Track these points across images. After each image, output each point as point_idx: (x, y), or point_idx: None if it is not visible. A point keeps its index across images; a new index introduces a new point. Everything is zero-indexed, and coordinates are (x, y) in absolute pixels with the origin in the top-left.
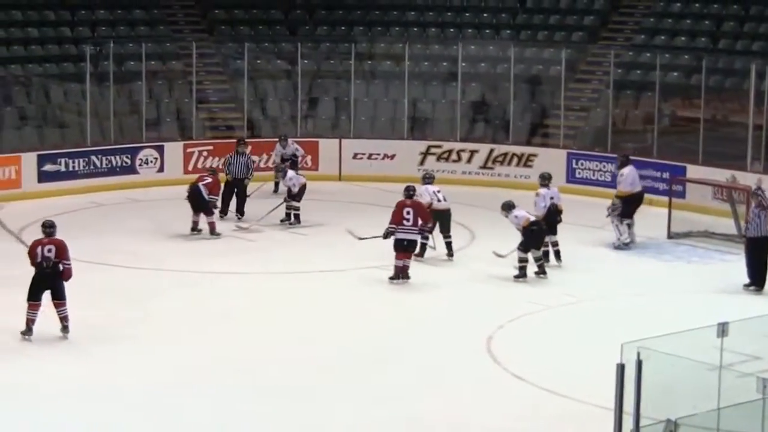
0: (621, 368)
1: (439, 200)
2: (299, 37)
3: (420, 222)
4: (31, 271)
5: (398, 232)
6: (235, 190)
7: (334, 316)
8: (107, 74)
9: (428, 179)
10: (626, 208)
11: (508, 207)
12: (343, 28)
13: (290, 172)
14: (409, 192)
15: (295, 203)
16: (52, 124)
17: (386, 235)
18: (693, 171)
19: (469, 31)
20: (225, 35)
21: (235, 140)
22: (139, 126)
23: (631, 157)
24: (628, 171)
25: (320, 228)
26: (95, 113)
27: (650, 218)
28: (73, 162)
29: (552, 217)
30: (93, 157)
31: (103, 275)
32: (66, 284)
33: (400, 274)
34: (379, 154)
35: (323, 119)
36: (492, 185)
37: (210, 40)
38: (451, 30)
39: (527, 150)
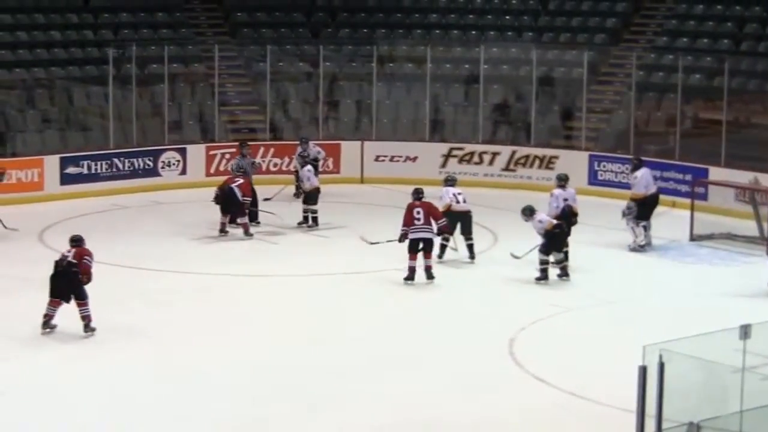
0: (643, 370)
1: (458, 201)
2: (321, 39)
3: (432, 221)
4: None
5: (410, 232)
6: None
7: (355, 318)
8: (130, 77)
9: (450, 182)
10: (642, 210)
11: (529, 212)
12: (365, 30)
13: (308, 167)
14: (418, 194)
15: (312, 206)
16: (75, 127)
17: (400, 239)
18: (715, 173)
19: (491, 33)
20: (247, 38)
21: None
22: (161, 129)
23: (654, 160)
24: (642, 173)
25: (342, 230)
26: (118, 116)
27: (673, 220)
28: (96, 165)
29: (566, 218)
30: (115, 160)
31: (125, 277)
32: (89, 285)
33: (418, 274)
34: (401, 157)
35: (345, 122)
36: (514, 187)
37: (232, 43)
38: (473, 32)
39: (549, 152)
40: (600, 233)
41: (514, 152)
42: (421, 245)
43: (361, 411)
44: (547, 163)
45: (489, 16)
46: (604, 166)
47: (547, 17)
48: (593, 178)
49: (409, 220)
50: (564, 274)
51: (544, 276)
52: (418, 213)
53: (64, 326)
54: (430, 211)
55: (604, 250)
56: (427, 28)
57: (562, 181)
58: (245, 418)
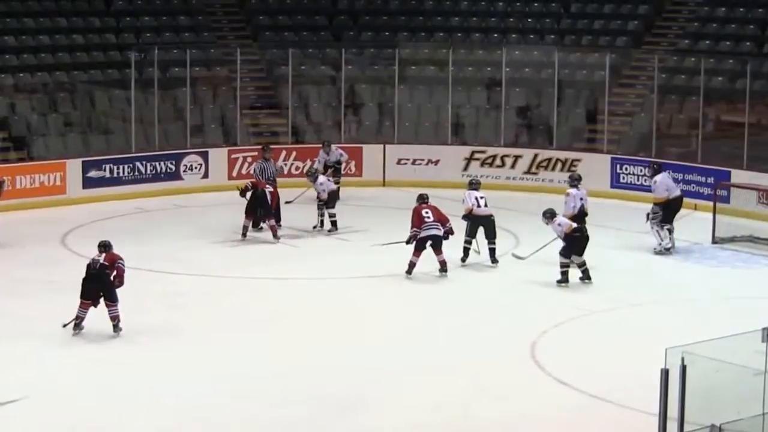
0: (665, 373)
1: (479, 206)
2: (343, 42)
3: (439, 222)
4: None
5: (422, 230)
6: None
7: (377, 321)
8: (152, 81)
9: (474, 185)
10: (666, 213)
11: (550, 215)
12: (386, 33)
13: (321, 178)
14: (423, 199)
15: (330, 209)
16: (97, 131)
17: (409, 240)
18: (737, 176)
19: (513, 36)
20: (269, 41)
21: (260, 146)
22: (183, 132)
23: (676, 163)
24: (661, 178)
25: (364, 234)
26: (140, 119)
27: (695, 223)
28: (118, 168)
29: (579, 218)
30: (138, 164)
31: (147, 281)
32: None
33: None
34: (423, 160)
35: (367, 125)
36: (536, 191)
37: (254, 46)
38: (495, 35)
39: (571, 155)
40: (622, 236)
41: (536, 155)
42: (429, 243)
43: (384, 414)
44: (569, 166)
45: (511, 19)
46: (626, 169)
47: (569, 20)
48: (615, 181)
49: (419, 221)
50: (586, 276)
51: (564, 279)
52: (427, 213)
53: (88, 329)
54: (438, 214)
55: (626, 253)
56: (449, 31)
57: (576, 181)
58: (270, 420)
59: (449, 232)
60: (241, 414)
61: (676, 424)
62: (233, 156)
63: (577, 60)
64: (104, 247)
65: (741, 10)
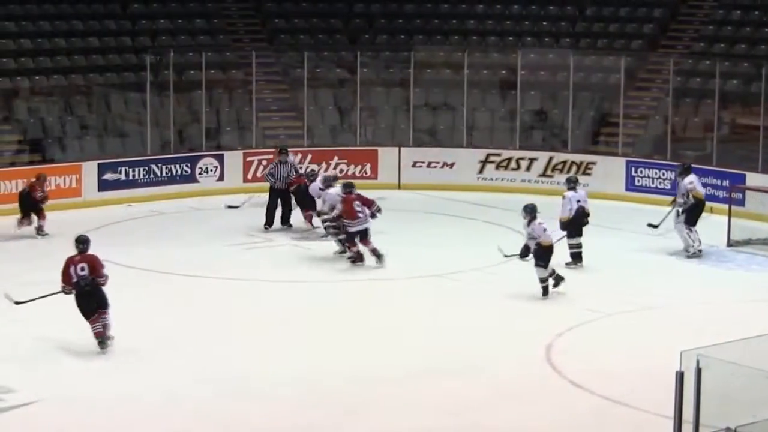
0: (680, 376)
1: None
2: (359, 45)
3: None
4: None
5: (356, 225)
6: (279, 200)
7: (391, 324)
8: (167, 83)
9: (572, 183)
10: (690, 216)
11: (531, 211)
12: (402, 36)
13: (336, 189)
14: (351, 188)
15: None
16: (113, 133)
17: (341, 230)
18: (753, 179)
19: (529, 39)
20: (285, 44)
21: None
22: (199, 135)
23: (692, 165)
24: (696, 178)
25: (378, 236)
26: (155, 122)
27: (710, 226)
28: (134, 171)
29: (579, 219)
30: (153, 166)
31: (162, 283)
32: (123, 292)
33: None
34: (438, 163)
35: (382, 127)
36: (551, 193)
37: (270, 49)
38: (511, 38)
39: (586, 158)
40: (637, 239)
41: (551, 158)
42: (360, 234)
43: (398, 417)
44: (585, 168)
45: (526, 22)
46: (641, 172)
47: (584, 23)
48: (630, 184)
49: (354, 213)
50: (556, 284)
51: (545, 292)
52: (360, 207)
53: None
54: (365, 201)
55: (641, 256)
56: (465, 34)
57: (573, 183)
58: (284, 423)
59: (377, 211)
60: (254, 417)
61: (691, 427)
62: (248, 159)
63: (592, 63)
64: (81, 243)
65: (756, 13)
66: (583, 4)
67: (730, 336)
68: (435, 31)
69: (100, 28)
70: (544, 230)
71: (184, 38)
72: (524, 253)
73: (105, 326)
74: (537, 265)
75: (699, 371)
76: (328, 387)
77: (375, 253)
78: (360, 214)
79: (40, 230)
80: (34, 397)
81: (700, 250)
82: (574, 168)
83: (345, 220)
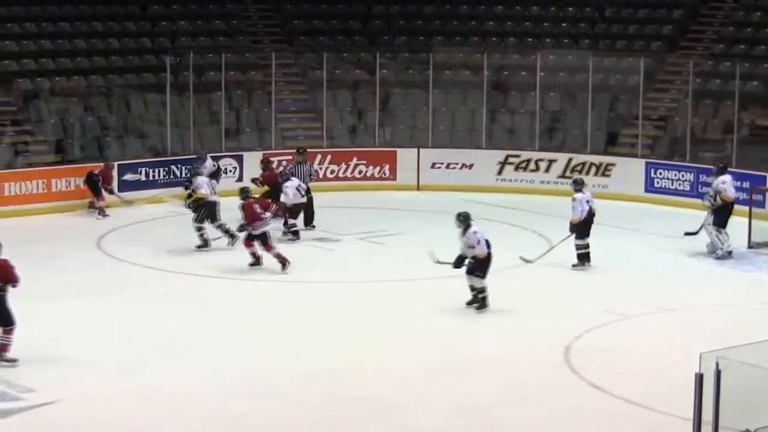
0: (700, 378)
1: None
2: (378, 47)
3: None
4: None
5: (258, 228)
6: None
7: (410, 325)
8: (187, 84)
9: (579, 184)
10: (719, 217)
11: (464, 219)
12: (421, 38)
13: (289, 183)
14: (247, 193)
15: (291, 219)
16: (133, 134)
17: (241, 228)
18: None
19: (548, 40)
20: (304, 46)
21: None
22: (218, 136)
23: (711, 167)
24: (730, 178)
25: (398, 237)
26: (175, 123)
27: (730, 228)
28: (154, 171)
29: (589, 220)
30: (173, 167)
31: (181, 284)
32: (142, 292)
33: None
34: (457, 164)
35: (401, 129)
36: (570, 195)
37: (289, 51)
38: (530, 40)
39: (605, 159)
40: (656, 240)
41: (570, 159)
42: (260, 236)
43: (417, 417)
44: (604, 170)
45: (545, 23)
46: (660, 174)
47: (603, 24)
48: (649, 186)
49: (258, 216)
50: (482, 304)
51: (475, 300)
52: (261, 210)
53: (121, 331)
54: (263, 204)
55: (660, 257)
56: (484, 36)
57: (580, 185)
58: (299, 422)
59: (276, 213)
60: (271, 416)
61: (711, 429)
62: None
63: (611, 64)
64: None
65: None
66: (602, 5)
67: (749, 338)
68: (454, 32)
69: (120, 29)
70: (478, 241)
71: (203, 39)
72: (458, 264)
73: (2, 346)
74: (475, 275)
75: (718, 373)
76: (344, 387)
77: (279, 258)
78: (263, 216)
79: (101, 211)
80: (53, 396)
81: (729, 252)
82: (594, 169)
83: (249, 225)
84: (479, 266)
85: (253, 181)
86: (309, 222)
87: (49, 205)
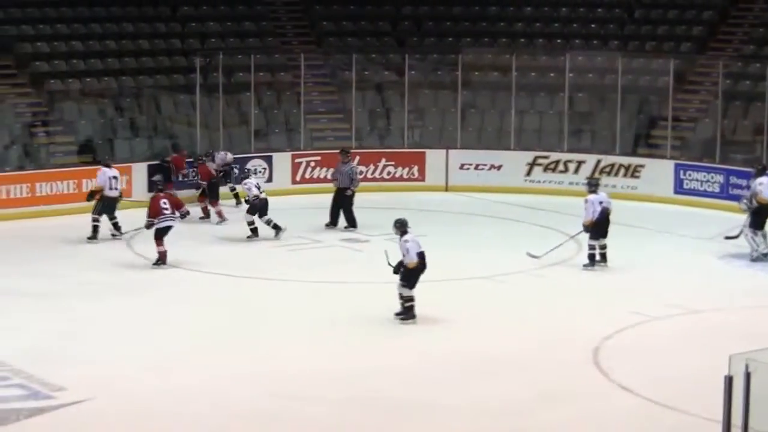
0: (729, 380)
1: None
2: (407, 48)
3: (176, 210)
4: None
5: (159, 222)
6: (341, 201)
7: (437, 326)
8: (216, 85)
9: (593, 186)
10: (756, 219)
11: (400, 225)
12: (450, 39)
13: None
14: (158, 186)
15: (249, 217)
16: (163, 135)
17: (147, 226)
18: None
19: (577, 41)
20: (333, 47)
21: (338, 150)
22: (247, 136)
23: (741, 169)
24: (767, 180)
25: (426, 239)
26: (205, 124)
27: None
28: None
29: (603, 221)
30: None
31: (210, 284)
32: (172, 292)
33: (161, 260)
34: (485, 165)
35: (430, 130)
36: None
37: (318, 52)
38: (559, 41)
39: (634, 161)
40: (685, 242)
41: (599, 161)
42: (165, 230)
43: (443, 418)
44: (633, 171)
45: (574, 24)
46: (689, 175)
47: (632, 26)
48: (679, 187)
49: (157, 210)
50: (408, 316)
51: (405, 310)
52: (165, 204)
53: (148, 330)
54: (173, 202)
55: (690, 259)
56: (513, 37)
57: (594, 186)
58: (333, 422)
59: (185, 214)
60: (301, 415)
61: (740, 431)
62: (297, 160)
63: (640, 66)
64: None
65: None
66: (631, 6)
67: None
68: (483, 33)
69: (150, 30)
70: (407, 250)
71: (233, 41)
72: (396, 269)
73: None
74: (402, 285)
75: (748, 375)
76: (370, 387)
77: (161, 255)
78: (165, 211)
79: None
80: (85, 395)
81: (765, 254)
82: (623, 171)
83: (151, 218)
84: (406, 275)
85: (192, 178)
86: (352, 224)
87: (80, 205)
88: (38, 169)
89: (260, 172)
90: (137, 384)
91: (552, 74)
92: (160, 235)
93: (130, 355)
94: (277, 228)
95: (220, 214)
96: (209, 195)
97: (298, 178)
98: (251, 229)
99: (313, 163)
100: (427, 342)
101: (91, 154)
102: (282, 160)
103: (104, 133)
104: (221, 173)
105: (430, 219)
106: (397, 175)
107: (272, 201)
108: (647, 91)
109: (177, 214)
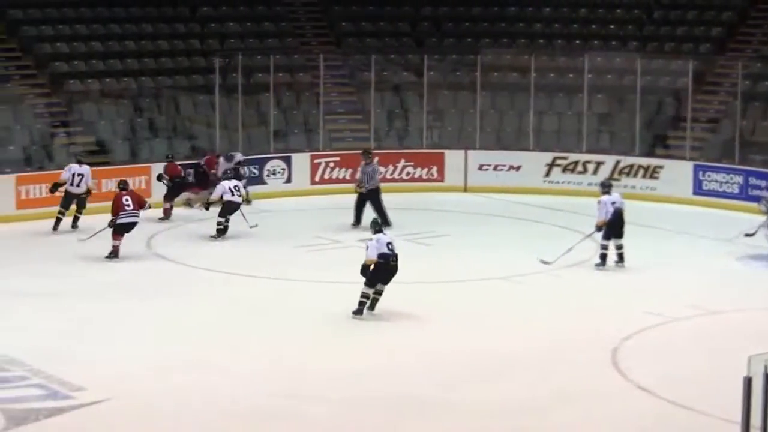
0: (748, 381)
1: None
2: (426, 49)
3: (138, 207)
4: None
5: (121, 217)
6: (368, 201)
7: (456, 326)
8: (236, 86)
9: (607, 187)
10: None
11: (372, 226)
12: (469, 40)
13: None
14: (124, 185)
15: (220, 218)
16: (182, 135)
17: (110, 224)
18: None
19: (596, 42)
20: (352, 47)
21: (360, 151)
22: (266, 137)
23: (760, 170)
24: None
25: (445, 239)
26: (224, 124)
27: None
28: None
29: (617, 222)
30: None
31: (228, 284)
32: (190, 292)
33: (114, 254)
34: (504, 166)
35: (449, 130)
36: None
37: (337, 52)
38: (578, 42)
39: (653, 162)
40: (704, 243)
41: (618, 162)
42: (127, 226)
43: (461, 417)
44: (652, 172)
45: (593, 25)
46: (708, 176)
47: (651, 27)
48: (698, 188)
49: (119, 207)
50: (357, 312)
51: (359, 311)
52: (127, 200)
53: (162, 331)
54: (135, 199)
55: (708, 260)
56: (532, 38)
57: (607, 187)
58: (346, 420)
59: (146, 208)
60: (313, 414)
61: None
62: (316, 161)
63: (659, 66)
64: None
65: None
66: (650, 7)
67: None
68: (502, 34)
69: (169, 31)
70: (367, 247)
71: (252, 41)
72: (363, 270)
73: None
74: (364, 283)
75: (767, 377)
76: (386, 386)
77: (114, 249)
78: (126, 208)
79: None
80: (104, 395)
81: None
82: (642, 171)
83: (114, 215)
84: (363, 271)
85: (159, 177)
86: (386, 223)
87: (99, 205)
88: (58, 170)
89: (279, 172)
90: (155, 383)
91: (571, 75)
92: (120, 230)
93: (149, 355)
94: (219, 232)
95: (166, 211)
96: (169, 193)
97: (317, 179)
98: (218, 229)
99: (332, 164)
100: (445, 341)
101: (110, 154)
102: (301, 161)
103: (124, 134)
104: (230, 172)
105: (448, 219)
106: (416, 176)
107: (291, 201)
108: (666, 92)
109: (140, 211)
